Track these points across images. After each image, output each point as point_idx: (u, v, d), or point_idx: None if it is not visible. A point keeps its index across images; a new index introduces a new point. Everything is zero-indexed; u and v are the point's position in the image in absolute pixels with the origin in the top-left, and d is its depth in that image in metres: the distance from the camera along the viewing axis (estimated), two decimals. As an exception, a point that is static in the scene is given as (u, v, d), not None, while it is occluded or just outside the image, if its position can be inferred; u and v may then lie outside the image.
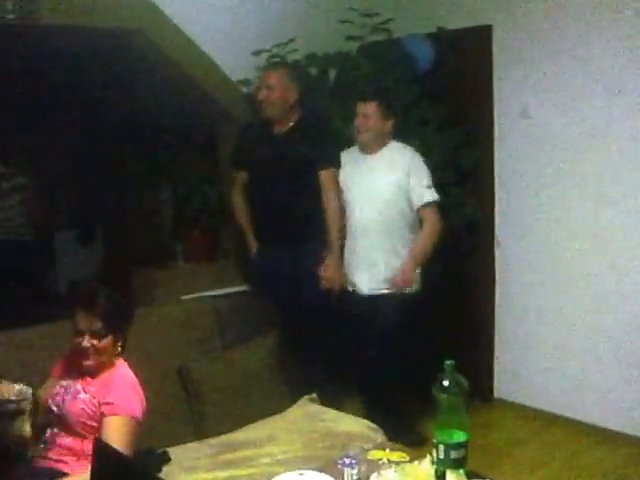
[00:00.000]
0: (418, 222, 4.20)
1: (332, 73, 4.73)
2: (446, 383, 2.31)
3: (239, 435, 3.46)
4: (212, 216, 4.72)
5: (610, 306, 4.36)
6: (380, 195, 4.11)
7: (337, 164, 4.23)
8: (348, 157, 4.25)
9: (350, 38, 4.62)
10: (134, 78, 4.45)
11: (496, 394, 5.00)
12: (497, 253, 4.84)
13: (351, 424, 3.55)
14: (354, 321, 4.18)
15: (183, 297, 4.45)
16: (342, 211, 4.22)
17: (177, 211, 4.96)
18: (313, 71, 4.66)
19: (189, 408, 3.53)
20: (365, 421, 3.58)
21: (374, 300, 4.17)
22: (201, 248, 4.78)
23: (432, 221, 4.15)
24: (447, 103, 4.60)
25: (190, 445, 3.34)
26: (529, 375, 4.83)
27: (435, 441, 2.27)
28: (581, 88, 4.33)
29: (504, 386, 4.98)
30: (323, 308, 4.16)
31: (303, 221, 4.18)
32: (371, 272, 4.16)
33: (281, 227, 4.20)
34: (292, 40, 4.51)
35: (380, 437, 3.44)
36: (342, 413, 3.69)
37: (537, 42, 4.48)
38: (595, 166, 4.33)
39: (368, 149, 4.16)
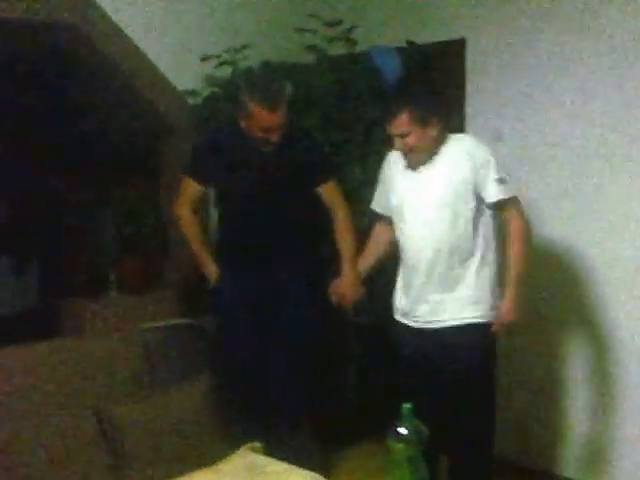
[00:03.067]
0: (496, 229, 3.35)
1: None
2: (403, 430, 1.99)
3: (166, 492, 2.96)
4: (149, 242, 4.23)
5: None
6: (434, 214, 3.28)
7: (335, 172, 3.80)
8: (397, 157, 3.40)
9: (310, 47, 4.20)
10: (63, 79, 3.96)
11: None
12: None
13: (296, 477, 3.06)
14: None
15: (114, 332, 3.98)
16: (387, 228, 3.56)
17: (113, 236, 4.45)
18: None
19: (108, 459, 3.02)
20: (315, 475, 3.08)
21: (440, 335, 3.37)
22: (136, 277, 4.26)
23: (518, 224, 3.27)
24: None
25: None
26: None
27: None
28: (561, 109, 3.95)
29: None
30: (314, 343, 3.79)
31: (291, 242, 3.76)
32: (432, 305, 3.36)
33: (262, 250, 3.74)
34: (245, 47, 4.09)
35: (328, 493, 2.98)
36: (289, 465, 3.19)
37: (514, 58, 4.10)
38: (574, 193, 3.96)
39: (421, 165, 3.34)
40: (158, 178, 4.25)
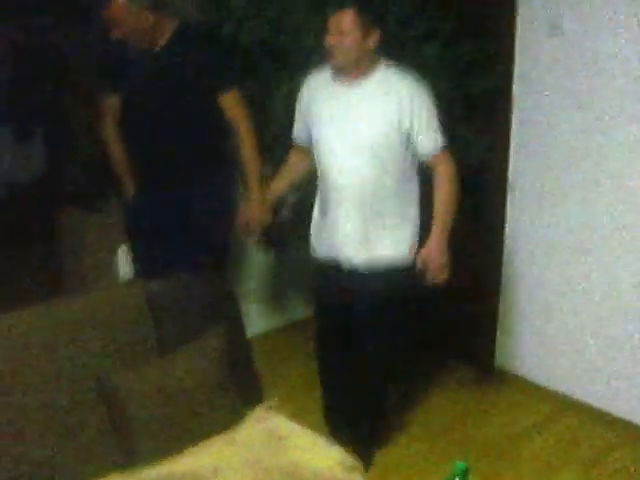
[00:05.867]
0: (416, 173, 3.25)
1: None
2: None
3: (177, 465, 2.69)
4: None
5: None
6: (367, 139, 3.10)
7: (236, 81, 3.40)
8: (319, 82, 3.24)
9: None
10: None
11: (498, 364, 4.25)
12: (509, 201, 3.98)
13: (321, 456, 2.78)
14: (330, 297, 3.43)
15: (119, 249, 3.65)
16: (303, 151, 3.39)
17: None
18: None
19: (114, 433, 2.73)
20: (339, 452, 2.80)
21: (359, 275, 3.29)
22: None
23: (448, 172, 3.17)
24: (457, 12, 3.59)
25: (115, 481, 2.61)
26: (538, 345, 4.06)
27: None
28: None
29: (508, 356, 4.22)
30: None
31: (194, 157, 3.41)
32: (355, 244, 3.24)
33: (164, 166, 3.42)
34: None
35: (357, 478, 2.69)
36: (310, 434, 2.91)
37: None
38: (636, 101, 3.41)
39: (349, 75, 3.13)
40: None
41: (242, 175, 3.45)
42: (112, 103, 3.47)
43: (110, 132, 3.53)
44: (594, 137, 3.57)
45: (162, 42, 3.27)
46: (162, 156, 3.38)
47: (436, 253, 3.16)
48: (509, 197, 3.96)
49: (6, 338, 2.62)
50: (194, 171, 3.41)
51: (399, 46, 3.46)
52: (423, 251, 3.18)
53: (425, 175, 3.24)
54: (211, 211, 3.44)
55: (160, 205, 3.44)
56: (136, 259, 3.68)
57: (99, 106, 3.53)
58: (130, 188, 3.56)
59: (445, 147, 3.16)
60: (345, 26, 3.00)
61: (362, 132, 3.10)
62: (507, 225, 4.01)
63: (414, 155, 3.18)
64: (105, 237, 3.82)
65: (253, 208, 3.42)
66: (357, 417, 3.56)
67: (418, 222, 3.26)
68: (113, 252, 3.81)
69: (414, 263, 3.22)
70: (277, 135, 3.48)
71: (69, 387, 2.67)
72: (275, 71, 3.58)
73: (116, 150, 3.54)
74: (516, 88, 3.79)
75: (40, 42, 4.37)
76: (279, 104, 3.44)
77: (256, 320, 4.45)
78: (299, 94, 3.30)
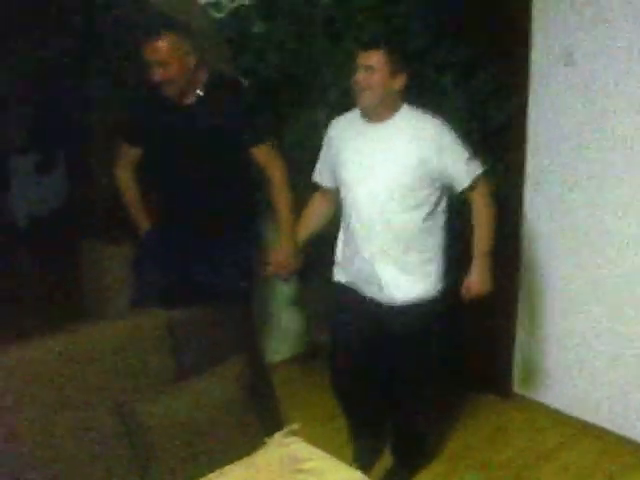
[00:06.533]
0: (445, 208, 3.25)
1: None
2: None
3: (196, 492, 2.73)
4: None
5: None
6: (395, 178, 3.09)
7: (271, 135, 3.40)
8: (346, 124, 3.26)
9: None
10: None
11: (516, 389, 4.27)
12: (524, 231, 4.02)
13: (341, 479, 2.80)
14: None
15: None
16: (328, 195, 3.43)
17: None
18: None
19: (133, 458, 2.76)
20: (358, 475, 2.83)
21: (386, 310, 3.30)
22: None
23: (486, 198, 3.21)
24: (472, 44, 3.65)
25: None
26: (556, 369, 4.08)
27: None
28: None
29: (525, 381, 4.23)
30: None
31: (220, 206, 3.41)
32: (380, 281, 3.24)
33: (190, 214, 3.42)
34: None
35: (377, 501, 2.73)
36: (329, 458, 2.94)
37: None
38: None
39: (374, 115, 3.14)
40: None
41: (275, 222, 3.45)
42: (133, 153, 3.47)
43: (125, 177, 3.52)
44: (609, 165, 3.61)
45: (194, 94, 3.24)
46: (189, 204, 3.39)
47: (479, 283, 3.24)
48: (525, 226, 4.00)
49: (26, 365, 2.67)
50: (221, 220, 3.41)
51: (415, 77, 3.53)
52: (467, 281, 3.25)
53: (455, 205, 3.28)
54: (232, 261, 3.45)
55: (180, 249, 3.44)
56: (141, 291, 3.62)
57: (115, 151, 3.53)
58: (144, 224, 3.55)
59: (481, 174, 3.18)
60: (374, 63, 3.04)
61: (390, 171, 3.10)
62: (523, 253, 4.04)
63: (444, 191, 3.18)
64: (125, 267, 3.86)
65: (284, 255, 3.41)
66: (397, 445, 3.64)
67: (444, 256, 3.28)
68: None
69: (438, 297, 3.27)
70: (294, 168, 3.51)
71: (88, 413, 2.71)
72: (293, 103, 3.64)
73: (130, 195, 3.53)
74: (531, 117, 3.84)
75: (63, 79, 4.48)
76: (297, 137, 3.46)
77: (277, 347, 4.50)
78: (326, 137, 3.32)
